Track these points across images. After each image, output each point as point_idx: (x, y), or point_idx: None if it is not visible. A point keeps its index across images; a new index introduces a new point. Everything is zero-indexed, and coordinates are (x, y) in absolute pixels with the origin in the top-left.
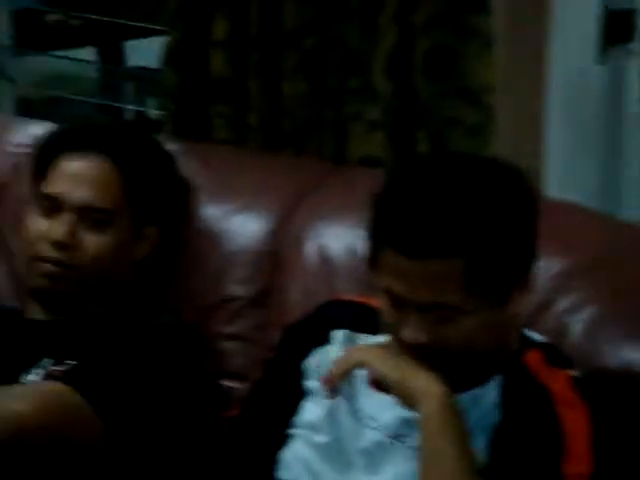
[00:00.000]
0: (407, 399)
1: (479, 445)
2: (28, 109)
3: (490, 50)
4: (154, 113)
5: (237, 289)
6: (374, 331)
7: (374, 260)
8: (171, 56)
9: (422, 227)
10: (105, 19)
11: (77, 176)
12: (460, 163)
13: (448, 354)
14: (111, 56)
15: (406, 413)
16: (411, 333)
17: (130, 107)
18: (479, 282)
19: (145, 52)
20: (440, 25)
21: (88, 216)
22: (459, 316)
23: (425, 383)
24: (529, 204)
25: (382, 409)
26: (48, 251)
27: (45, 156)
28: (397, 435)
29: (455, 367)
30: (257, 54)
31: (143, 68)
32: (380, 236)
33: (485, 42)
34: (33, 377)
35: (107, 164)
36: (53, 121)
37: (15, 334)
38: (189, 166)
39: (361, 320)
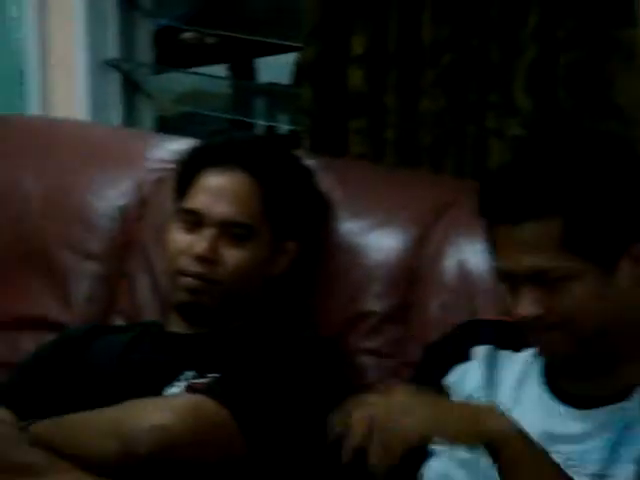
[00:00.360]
0: (479, 442)
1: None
2: (164, 125)
3: (635, 63)
4: (285, 129)
5: (375, 304)
6: (517, 348)
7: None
8: (308, 72)
9: (512, 189)
10: (239, 36)
11: (218, 191)
12: (569, 135)
13: (568, 329)
14: (243, 72)
15: (548, 426)
16: (524, 307)
17: (261, 123)
18: (578, 242)
19: (276, 68)
20: (583, 39)
21: (229, 231)
22: (568, 283)
23: (499, 422)
24: (637, 173)
25: (527, 423)
26: (190, 265)
27: (187, 171)
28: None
29: (582, 349)
30: (395, 69)
31: (274, 84)
32: (481, 212)
33: (630, 55)
34: (175, 390)
35: (248, 179)
36: (188, 137)
37: (158, 347)
38: (326, 181)
39: (503, 337)
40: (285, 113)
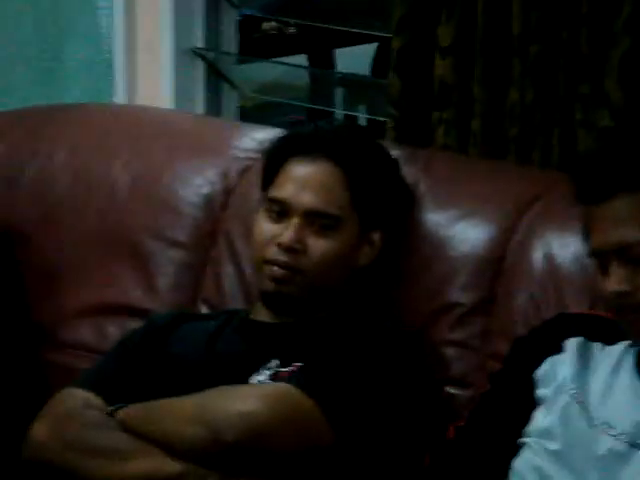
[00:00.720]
0: None
1: None
2: (243, 115)
3: None
4: (364, 118)
5: (460, 296)
6: (608, 341)
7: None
8: (396, 62)
9: (603, 167)
10: (318, 26)
11: (305, 181)
12: None
13: None
14: (322, 63)
15: None
16: (612, 283)
17: (340, 112)
18: None
19: (353, 59)
20: None
21: (315, 221)
22: None
23: None
24: None
25: (619, 413)
26: (276, 254)
27: (273, 161)
28: (637, 443)
29: None
30: (482, 60)
31: (354, 74)
32: (576, 196)
33: None
34: (261, 378)
35: (334, 168)
36: (267, 126)
37: (243, 336)
38: (412, 171)
39: (595, 329)
40: (363, 103)
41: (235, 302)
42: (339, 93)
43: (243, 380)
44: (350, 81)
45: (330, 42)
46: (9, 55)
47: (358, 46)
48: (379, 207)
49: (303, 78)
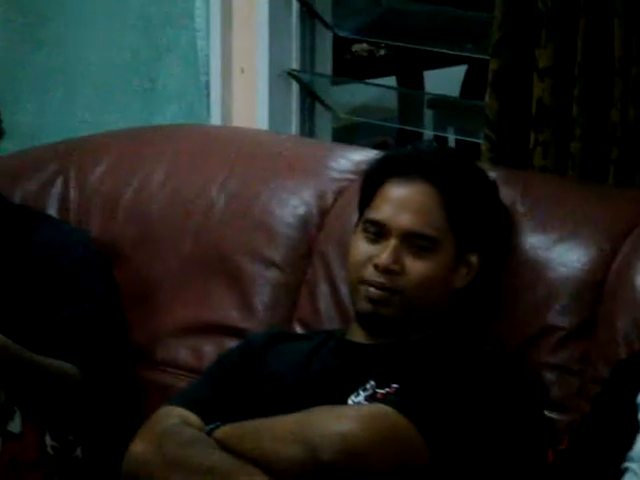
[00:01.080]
0: None
1: None
2: (334, 136)
3: None
4: (453, 140)
5: (560, 319)
6: None
7: None
8: (494, 83)
9: None
10: (409, 47)
11: (402, 202)
12: None
13: None
14: (411, 84)
15: None
16: None
17: (429, 133)
18: None
19: (442, 81)
20: None
21: (412, 242)
22: None
23: None
24: None
25: None
26: (373, 276)
27: (371, 182)
28: None
29: None
30: (582, 81)
31: (443, 96)
32: None
33: None
34: (358, 399)
35: (432, 190)
36: (358, 146)
37: (339, 356)
38: (510, 193)
39: None
40: (452, 125)
41: (330, 322)
42: (428, 114)
43: (339, 401)
44: (440, 102)
45: (420, 64)
46: (106, 76)
47: (446, 68)
48: (476, 229)
49: (392, 100)
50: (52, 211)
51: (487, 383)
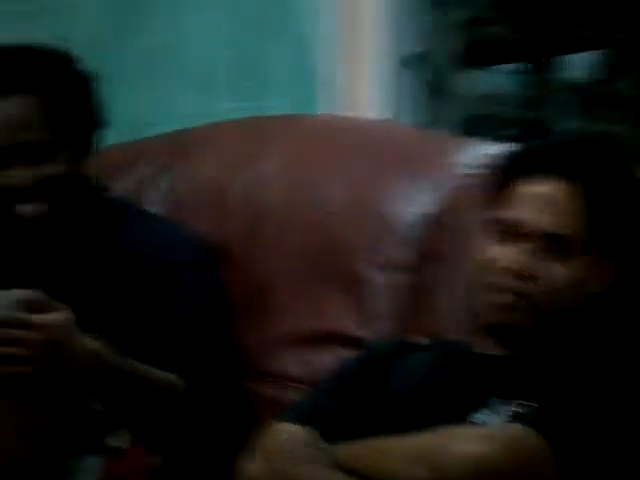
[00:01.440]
0: None
1: None
2: (462, 127)
3: None
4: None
5: None
6: None
7: None
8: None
9: None
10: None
11: (540, 201)
12: None
13: None
14: (542, 71)
15: None
16: None
17: (563, 123)
18: None
19: (576, 65)
20: None
21: (549, 245)
22: None
23: None
24: None
25: None
26: (505, 281)
27: (502, 178)
28: None
29: None
30: None
31: (581, 81)
32: None
33: None
34: (482, 416)
35: (572, 188)
36: (489, 138)
37: (464, 370)
38: None
39: None
40: (591, 114)
41: (453, 332)
42: (561, 103)
43: (463, 417)
44: (579, 89)
45: (554, 48)
46: (213, 63)
47: (580, 53)
48: (618, 232)
49: (525, 87)
50: (156, 207)
51: (631, 402)
